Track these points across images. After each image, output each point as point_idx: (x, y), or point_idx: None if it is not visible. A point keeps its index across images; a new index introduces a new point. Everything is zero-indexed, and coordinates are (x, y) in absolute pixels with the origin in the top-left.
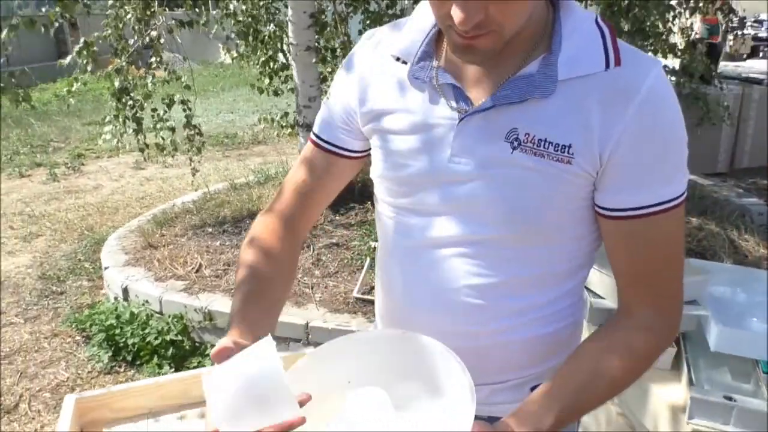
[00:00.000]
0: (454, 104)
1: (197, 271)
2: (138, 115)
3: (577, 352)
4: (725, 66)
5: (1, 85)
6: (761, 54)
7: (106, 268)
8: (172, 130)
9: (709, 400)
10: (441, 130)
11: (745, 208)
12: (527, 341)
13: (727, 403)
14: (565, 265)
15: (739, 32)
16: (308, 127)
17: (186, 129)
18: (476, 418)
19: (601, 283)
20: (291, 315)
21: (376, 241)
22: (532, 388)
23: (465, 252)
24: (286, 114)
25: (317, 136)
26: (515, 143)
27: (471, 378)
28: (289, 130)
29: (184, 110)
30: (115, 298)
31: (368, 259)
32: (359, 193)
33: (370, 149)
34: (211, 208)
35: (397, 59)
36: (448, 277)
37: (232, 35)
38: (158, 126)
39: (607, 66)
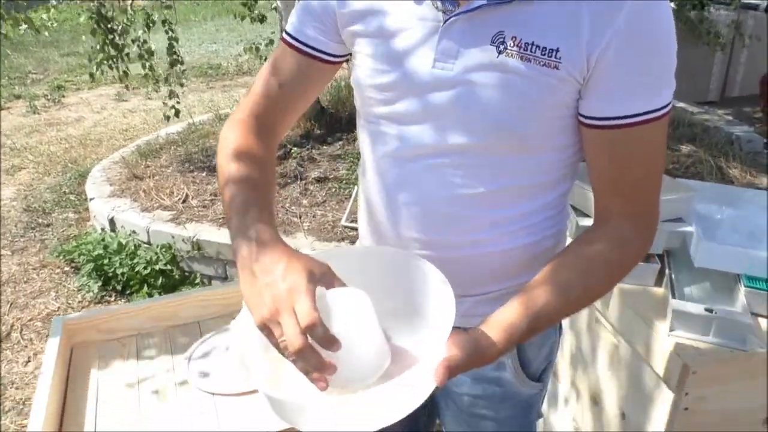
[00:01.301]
0: (439, 4)
1: (184, 201)
2: (117, 41)
3: (554, 261)
4: None
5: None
6: None
7: (91, 200)
8: (151, 53)
9: (690, 312)
10: (424, 32)
11: (734, 135)
12: (509, 252)
13: (708, 315)
14: (546, 176)
15: None
16: None
17: (168, 56)
18: (457, 329)
19: (585, 200)
20: None
21: None
22: None
23: (447, 162)
24: (271, 42)
25: (292, 37)
26: (501, 47)
27: (452, 290)
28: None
29: (167, 32)
30: (102, 229)
31: (356, 187)
32: (347, 123)
33: (347, 54)
34: (196, 139)
35: None
36: (430, 187)
37: None
38: (141, 54)
39: None
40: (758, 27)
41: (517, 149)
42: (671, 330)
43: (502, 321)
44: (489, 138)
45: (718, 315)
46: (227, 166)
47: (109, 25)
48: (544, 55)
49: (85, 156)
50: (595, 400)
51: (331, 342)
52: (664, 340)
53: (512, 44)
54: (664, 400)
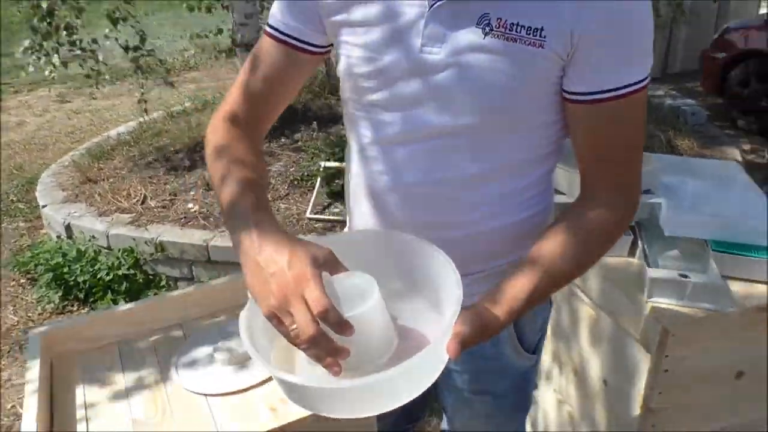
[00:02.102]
0: None
1: (143, 202)
2: (74, 39)
3: (546, 233)
4: None
5: None
6: None
7: (43, 207)
8: (127, 49)
9: (666, 278)
10: (410, 18)
11: (679, 109)
12: (502, 229)
13: (682, 280)
14: (535, 152)
15: None
16: (247, 46)
17: (132, 51)
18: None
19: (563, 179)
20: None
21: (326, 160)
22: None
23: (440, 144)
24: (221, 30)
25: (275, 29)
26: (487, 28)
27: (454, 266)
28: (225, 53)
29: (133, 26)
30: (58, 237)
31: (318, 179)
32: (303, 114)
33: (330, 45)
34: (150, 138)
35: None
36: (424, 170)
37: None
38: (98, 47)
39: None
40: (697, 4)
41: (507, 128)
42: (649, 297)
43: (502, 295)
44: (479, 118)
45: (692, 280)
46: (218, 163)
47: (53, 21)
48: (529, 34)
49: (31, 161)
50: (577, 372)
51: (344, 327)
52: (642, 307)
53: (497, 25)
54: (644, 364)
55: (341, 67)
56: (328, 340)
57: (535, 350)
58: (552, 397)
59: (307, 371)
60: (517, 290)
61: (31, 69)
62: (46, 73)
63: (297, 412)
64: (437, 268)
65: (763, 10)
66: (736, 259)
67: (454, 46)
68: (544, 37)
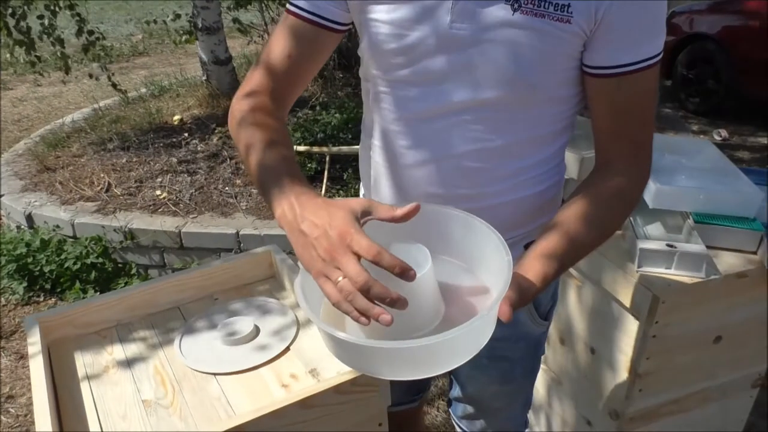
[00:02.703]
0: None
1: (107, 190)
2: (21, 24)
3: (571, 201)
4: None
5: None
6: None
7: (0, 197)
8: (60, 41)
9: (654, 248)
10: None
11: None
12: (520, 201)
13: (670, 250)
14: (553, 126)
15: None
16: (208, 30)
17: (80, 37)
18: None
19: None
20: (219, 225)
21: (296, 144)
22: (526, 246)
23: (465, 119)
24: (178, 16)
25: (299, 8)
26: (515, 4)
27: (502, 237)
28: (187, 38)
29: (73, 16)
30: (18, 227)
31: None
32: None
33: (352, 22)
34: (108, 124)
35: None
36: (448, 144)
37: None
38: (50, 38)
39: None
40: None
41: (530, 102)
42: (639, 267)
43: (536, 262)
44: (505, 93)
45: (678, 249)
46: (246, 135)
47: (9, 10)
48: (557, 10)
49: None
50: (563, 341)
51: (404, 268)
52: (632, 276)
53: (526, 2)
54: (631, 331)
55: (366, 44)
56: (382, 286)
57: (548, 317)
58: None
59: (359, 333)
60: (549, 257)
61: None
62: (7, 56)
63: (310, 387)
64: (480, 238)
65: None
66: (717, 230)
67: (483, 23)
68: (571, 13)
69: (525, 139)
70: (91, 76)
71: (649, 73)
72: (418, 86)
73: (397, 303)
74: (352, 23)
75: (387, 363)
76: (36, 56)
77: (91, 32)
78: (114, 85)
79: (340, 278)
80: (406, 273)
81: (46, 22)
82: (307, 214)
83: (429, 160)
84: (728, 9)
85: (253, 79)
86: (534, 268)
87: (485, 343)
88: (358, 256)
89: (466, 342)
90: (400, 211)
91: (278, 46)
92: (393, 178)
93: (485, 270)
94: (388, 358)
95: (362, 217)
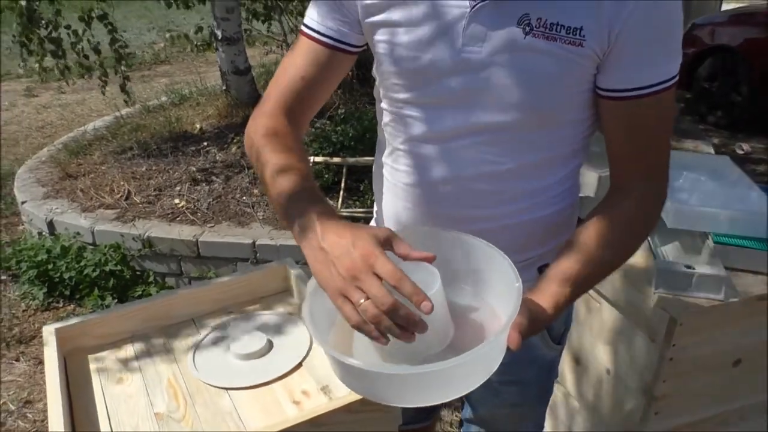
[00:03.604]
0: None
1: (127, 198)
2: (54, 35)
3: (584, 227)
4: None
5: None
6: None
7: (23, 203)
8: (98, 51)
9: (673, 270)
10: (452, 19)
11: None
12: (533, 223)
13: (688, 272)
14: (566, 148)
15: None
16: (228, 41)
17: (111, 45)
18: None
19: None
20: (236, 235)
21: (314, 155)
22: (539, 269)
23: (477, 141)
24: (201, 28)
25: (312, 30)
26: (527, 28)
27: (511, 262)
28: (204, 46)
29: (106, 25)
30: (40, 233)
31: None
32: None
33: (366, 44)
34: (128, 132)
35: None
36: (463, 165)
37: None
38: (79, 45)
39: None
40: None
41: (544, 124)
42: (656, 288)
43: (549, 289)
44: (518, 116)
45: (697, 271)
46: (264, 158)
47: (42, 22)
48: (569, 33)
49: (2, 157)
50: (579, 361)
51: (422, 296)
52: (648, 298)
53: (538, 25)
54: (647, 353)
55: (379, 66)
56: (406, 309)
57: (560, 341)
58: (555, 388)
59: (366, 359)
60: (562, 283)
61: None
62: (37, 67)
63: (321, 405)
64: (491, 264)
65: (725, 7)
66: (737, 251)
67: (495, 46)
68: (584, 36)
69: (537, 162)
70: (105, 84)
71: (665, 96)
72: (429, 108)
73: (419, 326)
74: (367, 44)
75: (393, 389)
76: (66, 66)
77: (115, 40)
78: (123, 88)
79: (362, 300)
80: (423, 304)
81: (81, 31)
82: (329, 232)
83: (440, 182)
84: (750, 21)
85: (270, 101)
86: (547, 294)
87: (494, 370)
88: (380, 278)
89: (474, 369)
90: (416, 254)
91: (293, 67)
92: (404, 197)
93: (496, 295)
94: (393, 384)
95: (384, 244)
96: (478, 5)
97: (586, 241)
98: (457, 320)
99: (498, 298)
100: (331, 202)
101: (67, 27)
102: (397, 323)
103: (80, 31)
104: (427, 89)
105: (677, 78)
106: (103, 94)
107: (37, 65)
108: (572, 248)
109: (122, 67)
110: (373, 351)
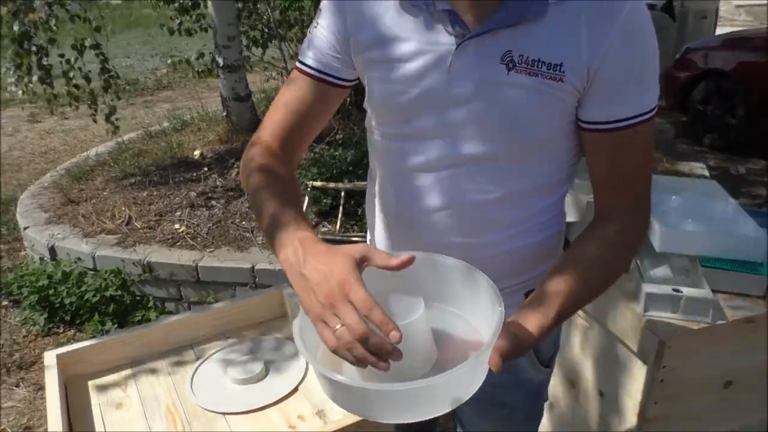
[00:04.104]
0: (451, 29)
1: (128, 223)
2: (44, 62)
3: (569, 252)
4: None
5: None
6: None
7: (25, 228)
8: (88, 79)
9: (660, 293)
10: (439, 55)
11: None
12: (520, 250)
13: (676, 295)
14: (552, 177)
15: None
16: (229, 68)
17: (100, 75)
18: None
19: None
20: (235, 260)
21: (312, 180)
22: (526, 294)
23: (465, 171)
24: (202, 55)
25: (305, 65)
26: (510, 65)
27: (493, 283)
28: (205, 72)
29: (97, 55)
30: (41, 259)
31: (306, 198)
32: None
33: (358, 78)
34: (130, 158)
35: None
36: (449, 195)
37: None
38: (70, 73)
39: None
40: (656, 25)
41: (528, 156)
42: (645, 311)
43: (534, 312)
44: (503, 148)
45: (685, 294)
46: (257, 185)
47: (32, 47)
48: (550, 69)
49: (5, 183)
50: (572, 383)
51: (390, 326)
52: (638, 321)
53: (520, 61)
54: (639, 375)
55: (369, 100)
56: (379, 337)
57: (549, 363)
58: (547, 408)
59: (354, 376)
60: (547, 307)
61: (12, 88)
62: (20, 93)
63: (318, 430)
64: (476, 288)
65: (719, 31)
66: (725, 274)
67: (479, 81)
68: (564, 72)
69: (524, 191)
70: (95, 111)
71: (644, 127)
72: (417, 140)
73: (392, 354)
74: (359, 78)
75: (379, 405)
76: (53, 94)
77: (106, 70)
78: (108, 118)
79: (338, 326)
80: (391, 334)
81: (73, 59)
82: (309, 258)
83: (430, 211)
84: (744, 45)
85: (265, 132)
86: (531, 317)
87: (475, 390)
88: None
89: (457, 386)
90: (394, 261)
91: (287, 102)
92: (394, 225)
93: (481, 319)
94: (380, 400)
95: (361, 263)
96: (463, 42)
97: (571, 265)
98: (444, 343)
99: (484, 323)
100: (329, 227)
101: (61, 56)
102: (371, 351)
103: (72, 60)
104: (417, 122)
105: (656, 110)
106: (95, 122)
107: (24, 88)
108: (557, 272)
109: (109, 97)
110: (363, 372)
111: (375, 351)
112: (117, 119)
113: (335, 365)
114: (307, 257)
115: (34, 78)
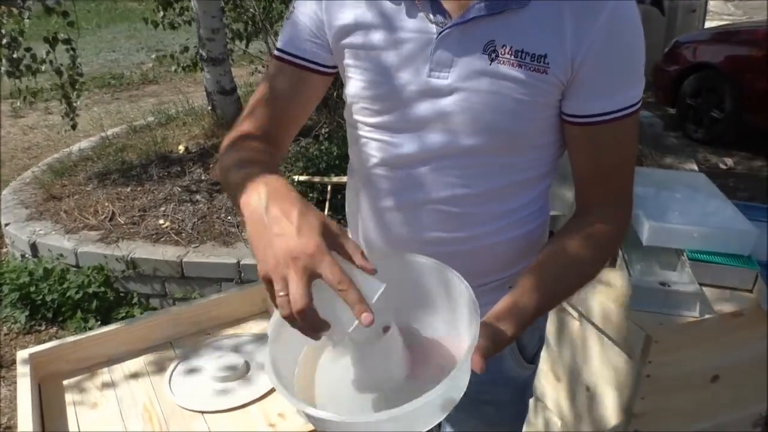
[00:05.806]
0: (432, 17)
1: (111, 219)
2: (15, 55)
3: (548, 247)
4: None
5: None
6: None
7: (6, 225)
8: (59, 72)
9: (647, 287)
10: (419, 44)
11: None
12: (503, 244)
13: (662, 289)
14: (535, 171)
15: None
16: (213, 61)
17: (68, 72)
18: None
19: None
20: (220, 255)
21: (299, 174)
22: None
23: (446, 164)
24: (186, 49)
25: (284, 52)
26: (493, 55)
27: (470, 287)
28: (190, 66)
29: (68, 50)
30: (23, 255)
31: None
32: None
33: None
34: (113, 153)
35: None
36: (428, 189)
37: None
38: (41, 68)
39: None
40: (646, 19)
41: (510, 149)
42: (631, 305)
43: (510, 308)
44: (486, 140)
45: (671, 288)
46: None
47: (2, 40)
48: (534, 61)
49: None
50: (560, 378)
51: (364, 308)
52: (625, 315)
53: (503, 52)
54: (627, 371)
55: (348, 90)
56: (314, 315)
57: (534, 360)
58: (534, 404)
59: (330, 400)
60: (524, 302)
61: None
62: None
63: (298, 428)
64: (450, 288)
65: (707, 25)
66: (712, 268)
67: (461, 72)
68: (548, 63)
69: (506, 185)
70: (71, 108)
71: (628, 122)
72: (397, 132)
73: (323, 328)
74: None
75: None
76: (18, 88)
77: (73, 66)
78: (68, 114)
79: (282, 293)
80: (363, 315)
81: (44, 54)
82: (274, 204)
83: (409, 205)
84: (732, 39)
85: (245, 125)
86: (509, 314)
87: (461, 395)
88: (315, 276)
89: (440, 404)
90: (359, 261)
91: (269, 90)
92: (374, 220)
93: (459, 319)
94: (366, 428)
95: (332, 246)
96: (444, 31)
97: (551, 259)
98: (424, 346)
99: (462, 322)
100: None
101: (28, 49)
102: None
103: (44, 53)
104: (395, 114)
105: (640, 104)
106: (66, 118)
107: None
108: (534, 268)
109: (73, 94)
110: (338, 387)
111: (310, 326)
112: (77, 116)
113: (310, 394)
114: (271, 201)
115: (2, 70)
